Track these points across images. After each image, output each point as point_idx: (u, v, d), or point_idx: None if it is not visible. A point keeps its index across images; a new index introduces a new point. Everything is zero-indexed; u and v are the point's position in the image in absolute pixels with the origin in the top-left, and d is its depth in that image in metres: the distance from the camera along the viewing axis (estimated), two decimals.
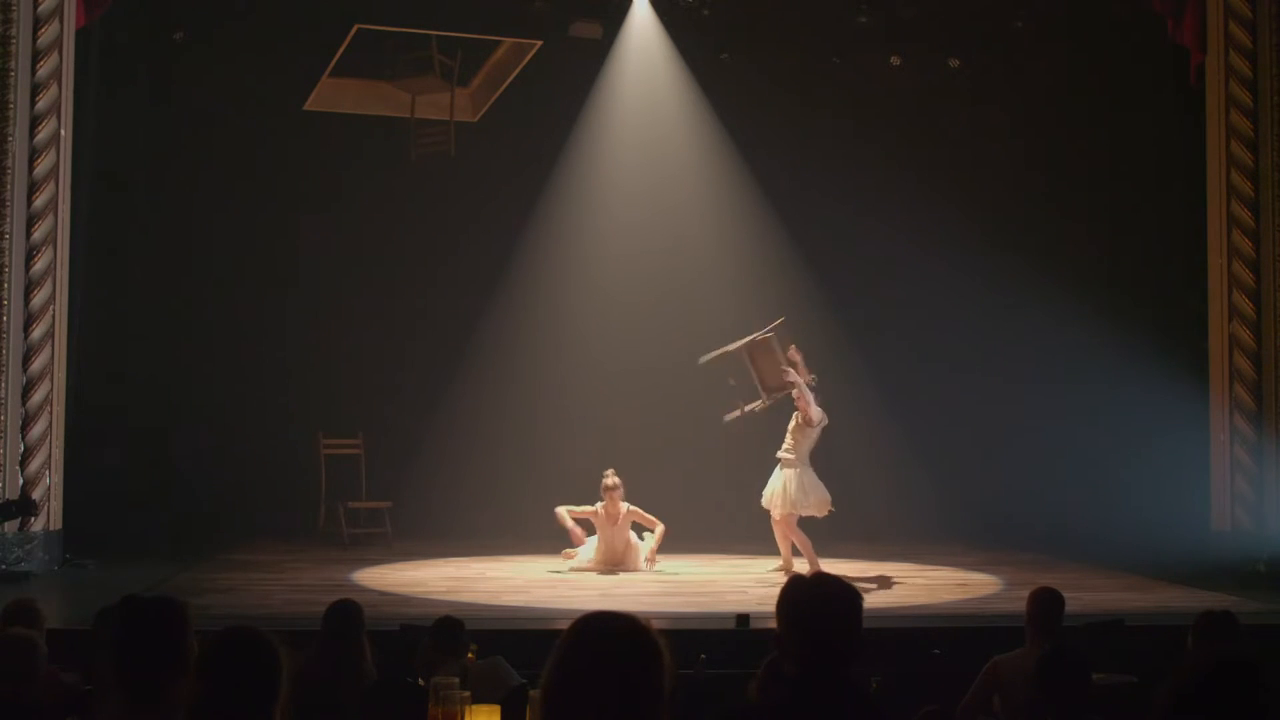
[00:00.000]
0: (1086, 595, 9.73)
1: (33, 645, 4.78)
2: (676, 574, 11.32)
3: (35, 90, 10.95)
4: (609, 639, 2.44)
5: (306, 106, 13.59)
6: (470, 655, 5.89)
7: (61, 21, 11.04)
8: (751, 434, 13.25)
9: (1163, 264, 13.56)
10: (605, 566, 11.21)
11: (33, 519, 10.73)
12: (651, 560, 11.33)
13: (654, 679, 2.43)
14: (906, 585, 10.68)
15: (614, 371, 14.13)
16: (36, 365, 10.93)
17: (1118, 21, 13.49)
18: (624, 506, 11.25)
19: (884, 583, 10.65)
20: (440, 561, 11.72)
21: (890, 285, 14.34)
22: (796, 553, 10.85)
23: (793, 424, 10.91)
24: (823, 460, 11.15)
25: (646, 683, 2.42)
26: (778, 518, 10.81)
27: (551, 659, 2.44)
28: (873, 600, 8.99)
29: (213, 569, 11.15)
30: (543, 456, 13.50)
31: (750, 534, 11.97)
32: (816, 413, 10.75)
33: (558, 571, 11.18)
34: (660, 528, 11.38)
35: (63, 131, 11.09)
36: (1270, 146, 11.72)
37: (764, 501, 10.90)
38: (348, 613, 5.88)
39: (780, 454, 10.88)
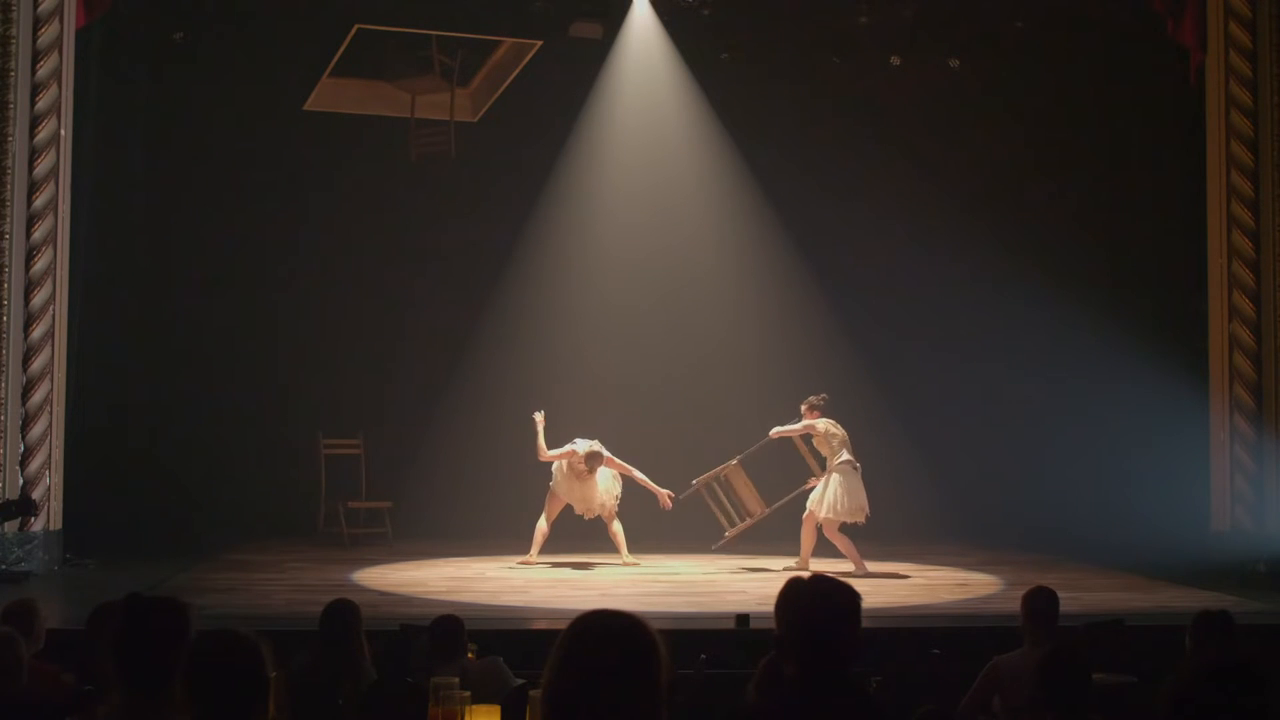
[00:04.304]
0: (1086, 595, 9.74)
1: (11, 641, 4.76)
2: (676, 574, 11.33)
3: (35, 90, 10.94)
4: (608, 636, 2.46)
5: (306, 106, 13.59)
6: (470, 655, 5.90)
7: (61, 21, 11.03)
8: (751, 435, 13.28)
9: (1163, 264, 13.57)
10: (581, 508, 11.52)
11: (33, 519, 10.73)
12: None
13: (652, 675, 2.45)
14: (906, 585, 10.69)
15: (613, 371, 14.13)
16: (36, 365, 10.92)
17: (1117, 21, 13.49)
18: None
19: (884, 583, 10.66)
20: (440, 561, 11.72)
21: (890, 285, 14.34)
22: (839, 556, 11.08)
23: (827, 441, 11.24)
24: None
25: (645, 679, 2.44)
26: (823, 520, 11.13)
27: (552, 657, 2.46)
28: (873, 600, 8.98)
29: (213, 569, 11.15)
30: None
31: (749, 534, 11.98)
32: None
33: (519, 566, 11.37)
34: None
35: (63, 131, 11.08)
36: (1270, 146, 11.71)
37: (810, 504, 11.24)
38: (345, 613, 5.88)
39: (839, 460, 11.15)
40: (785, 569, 10.95)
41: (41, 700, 4.65)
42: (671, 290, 14.55)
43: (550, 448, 11.53)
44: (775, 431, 11.48)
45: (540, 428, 11.52)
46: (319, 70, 13.25)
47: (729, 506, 11.80)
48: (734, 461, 11.74)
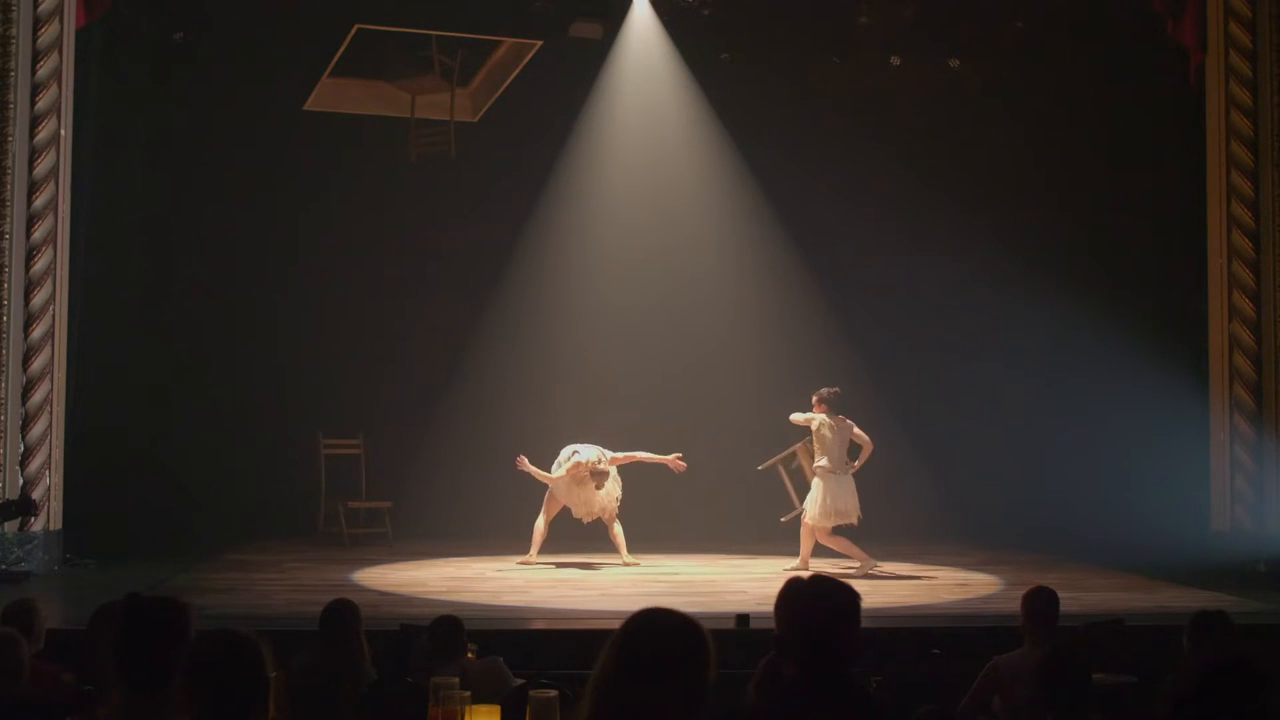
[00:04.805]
0: (1086, 595, 9.74)
1: (11, 641, 4.76)
2: (676, 574, 11.33)
3: (35, 90, 10.94)
4: (661, 632, 2.63)
5: (306, 106, 13.59)
6: (470, 655, 5.90)
7: (61, 21, 11.04)
8: (750, 437, 13.28)
9: (1163, 264, 13.56)
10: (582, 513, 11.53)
11: (33, 519, 10.73)
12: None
13: (701, 670, 2.62)
14: (906, 585, 10.69)
15: (614, 371, 14.13)
16: (36, 365, 10.92)
17: (1118, 21, 13.49)
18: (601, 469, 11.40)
19: (883, 583, 10.66)
20: (440, 561, 11.72)
21: (890, 284, 14.33)
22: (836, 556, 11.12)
23: (816, 439, 11.25)
24: None
25: (694, 673, 2.61)
26: (809, 525, 11.16)
27: (606, 650, 2.62)
28: (873, 600, 8.98)
29: (213, 569, 11.15)
30: (543, 456, 13.50)
31: (749, 534, 11.98)
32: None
33: (520, 567, 11.31)
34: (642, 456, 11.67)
35: (63, 131, 11.08)
36: (1270, 146, 11.71)
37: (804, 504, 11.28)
38: (344, 613, 5.87)
39: (817, 464, 11.18)
40: (785, 570, 10.95)
41: (41, 700, 4.65)
42: (671, 290, 14.55)
43: (550, 457, 11.54)
44: (792, 418, 11.44)
45: (530, 468, 11.46)
46: (319, 70, 13.24)
47: (797, 485, 11.77)
48: (799, 445, 11.63)
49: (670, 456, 11.65)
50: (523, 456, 11.47)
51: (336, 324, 14.02)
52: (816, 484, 11.12)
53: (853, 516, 11.08)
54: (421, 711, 4.66)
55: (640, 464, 11.71)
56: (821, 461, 11.12)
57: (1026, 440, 13.60)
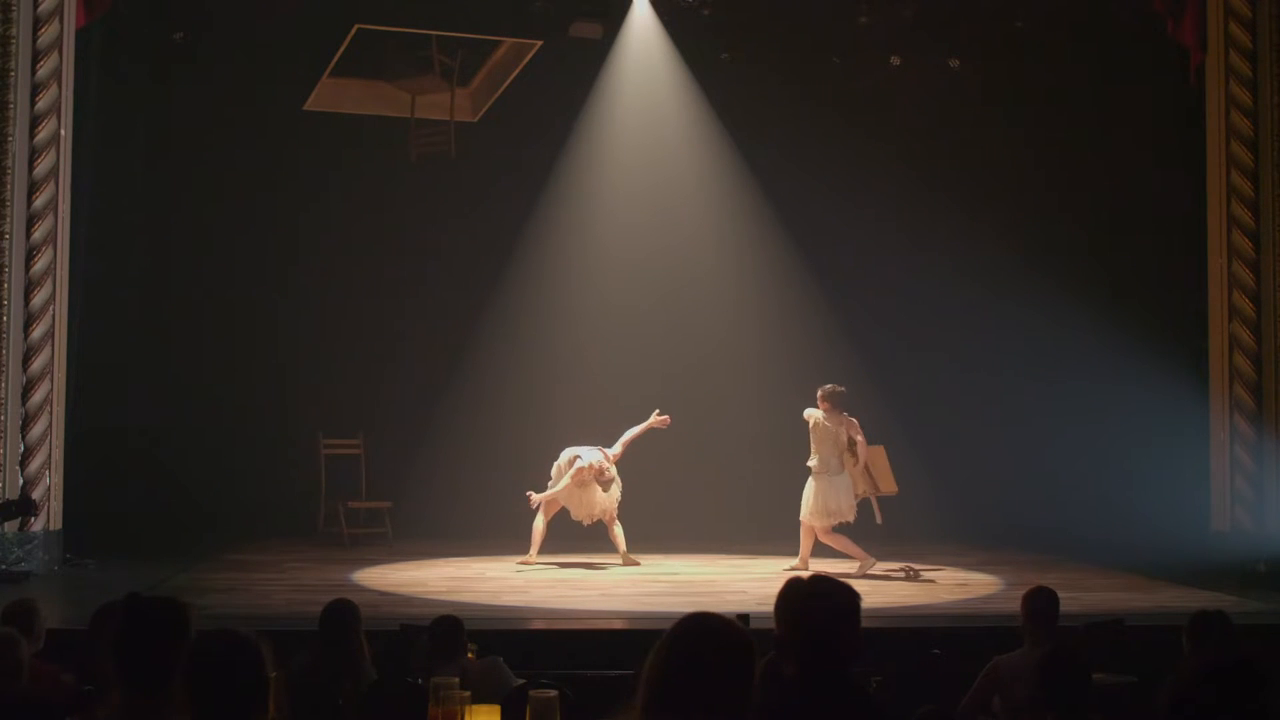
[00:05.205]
0: (1086, 595, 9.75)
1: (12, 642, 4.76)
2: (676, 574, 11.33)
3: (35, 90, 10.94)
4: (707, 633, 2.79)
5: (306, 106, 13.59)
6: (470, 655, 5.90)
7: (61, 21, 11.03)
8: (750, 437, 13.28)
9: (1163, 264, 13.56)
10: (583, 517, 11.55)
11: (33, 519, 10.73)
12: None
13: (746, 669, 2.77)
14: (906, 585, 10.69)
15: (613, 371, 14.13)
16: (36, 365, 10.92)
17: (1117, 21, 13.49)
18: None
19: (883, 583, 10.65)
20: (440, 561, 11.72)
21: (889, 285, 14.33)
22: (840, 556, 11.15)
23: (812, 436, 11.18)
24: None
25: (739, 671, 2.75)
26: (806, 524, 11.16)
27: (655, 651, 2.78)
28: (873, 600, 8.97)
29: (213, 569, 11.15)
30: (542, 456, 13.51)
31: (749, 534, 11.97)
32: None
33: (522, 570, 11.27)
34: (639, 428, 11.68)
35: (63, 131, 11.08)
36: (1270, 146, 11.71)
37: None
38: (344, 613, 5.88)
39: (808, 463, 11.17)
40: (785, 569, 10.94)
41: (41, 700, 4.65)
42: (671, 290, 14.55)
43: (550, 457, 11.57)
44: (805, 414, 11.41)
45: (540, 496, 11.45)
46: (319, 70, 13.24)
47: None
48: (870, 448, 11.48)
49: (651, 418, 11.65)
50: (530, 493, 11.44)
51: (336, 324, 14.02)
52: (809, 483, 11.12)
53: (847, 515, 11.09)
54: (421, 711, 4.66)
55: (636, 443, 11.69)
56: (811, 461, 11.11)
57: (1026, 440, 13.59)
